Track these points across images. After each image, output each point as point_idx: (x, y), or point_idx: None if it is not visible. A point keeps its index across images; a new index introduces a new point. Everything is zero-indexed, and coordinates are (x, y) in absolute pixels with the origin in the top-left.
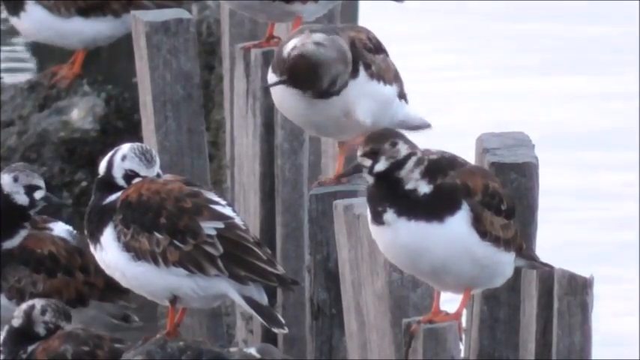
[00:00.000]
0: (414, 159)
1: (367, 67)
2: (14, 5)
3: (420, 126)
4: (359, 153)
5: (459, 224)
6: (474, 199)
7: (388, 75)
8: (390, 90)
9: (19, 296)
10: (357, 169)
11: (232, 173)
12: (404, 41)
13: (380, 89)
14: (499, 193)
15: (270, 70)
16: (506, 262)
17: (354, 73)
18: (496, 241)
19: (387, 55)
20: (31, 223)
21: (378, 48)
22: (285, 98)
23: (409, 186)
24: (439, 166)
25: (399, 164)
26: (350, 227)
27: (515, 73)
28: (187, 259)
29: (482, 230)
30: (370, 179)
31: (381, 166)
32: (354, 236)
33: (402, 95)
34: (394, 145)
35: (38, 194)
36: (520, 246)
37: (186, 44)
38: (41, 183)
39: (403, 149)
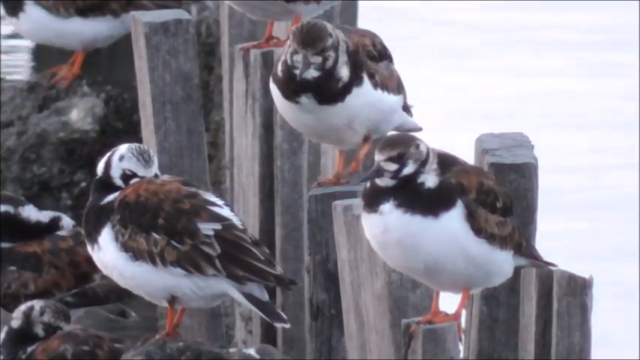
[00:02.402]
0: (432, 154)
1: (371, 76)
2: (13, 6)
3: (412, 130)
4: (382, 157)
5: (452, 221)
6: (469, 197)
7: (392, 84)
8: (395, 99)
9: (15, 302)
10: (379, 173)
11: (232, 174)
12: (404, 42)
13: (384, 98)
14: (494, 191)
15: (271, 79)
16: (502, 260)
17: (359, 81)
18: (491, 238)
19: (390, 62)
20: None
21: (382, 54)
22: (287, 107)
23: (420, 179)
24: (446, 162)
25: (424, 163)
26: (349, 228)
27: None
28: (185, 259)
29: (476, 227)
30: (391, 182)
31: (410, 169)
32: (354, 237)
33: (405, 107)
34: (418, 147)
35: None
36: (519, 244)
37: (185, 45)
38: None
39: (424, 147)
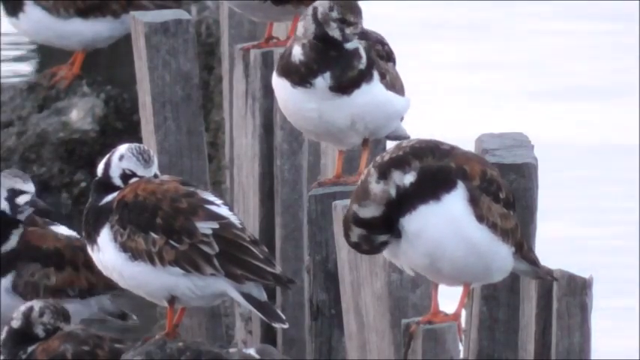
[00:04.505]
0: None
1: (382, 76)
2: (13, 6)
3: (401, 137)
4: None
5: (453, 203)
6: (472, 183)
7: (398, 85)
8: (402, 104)
9: (34, 292)
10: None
11: (232, 174)
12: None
13: (393, 101)
14: (497, 181)
15: (275, 74)
16: (504, 254)
17: (369, 78)
18: (493, 227)
19: (394, 65)
20: (31, 222)
21: (389, 56)
22: (294, 95)
23: (391, 193)
24: (440, 149)
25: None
26: None
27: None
28: (183, 258)
29: (479, 214)
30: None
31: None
32: None
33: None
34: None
35: (22, 199)
36: (520, 243)
37: (185, 45)
38: (27, 187)
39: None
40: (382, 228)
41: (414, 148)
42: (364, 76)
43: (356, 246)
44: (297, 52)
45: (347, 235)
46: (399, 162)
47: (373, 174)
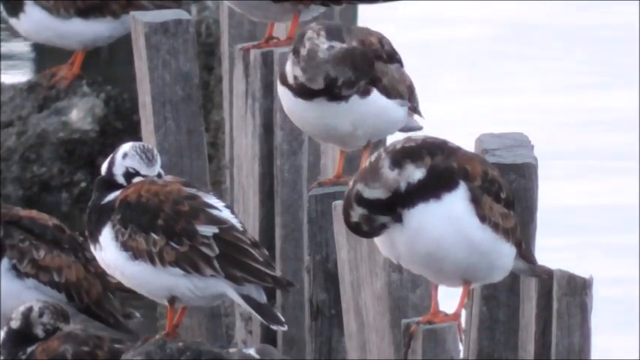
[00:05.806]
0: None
1: (378, 80)
2: (13, 6)
3: (414, 129)
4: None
5: (455, 202)
6: (473, 184)
7: (402, 88)
8: (402, 110)
9: (19, 257)
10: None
11: (231, 174)
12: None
13: (391, 108)
14: (498, 181)
15: (279, 83)
16: (505, 253)
17: (365, 91)
18: (495, 227)
19: (401, 65)
20: None
21: (391, 56)
22: (294, 106)
23: (408, 180)
24: (438, 146)
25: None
26: None
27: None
28: (183, 259)
29: (481, 214)
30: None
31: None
32: (353, 237)
33: (415, 109)
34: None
35: None
36: (519, 242)
37: (185, 45)
38: None
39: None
40: (385, 210)
41: (427, 143)
42: (356, 83)
43: (356, 226)
44: (290, 74)
45: (347, 215)
46: (414, 154)
47: (385, 158)
